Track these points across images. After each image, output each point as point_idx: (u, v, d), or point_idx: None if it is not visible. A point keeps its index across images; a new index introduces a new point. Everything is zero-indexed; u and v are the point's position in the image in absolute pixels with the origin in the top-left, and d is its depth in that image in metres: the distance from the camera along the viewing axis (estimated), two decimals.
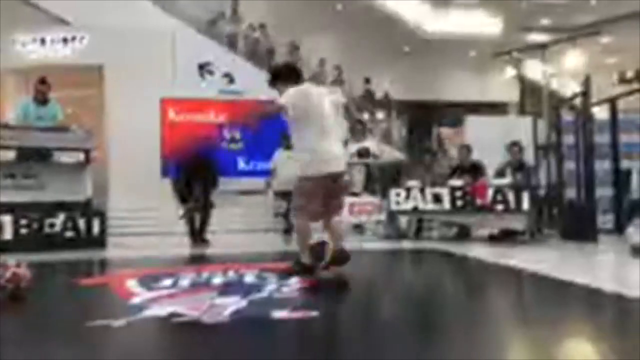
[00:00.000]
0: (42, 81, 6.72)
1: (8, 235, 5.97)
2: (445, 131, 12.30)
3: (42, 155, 6.54)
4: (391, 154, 9.34)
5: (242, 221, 8.80)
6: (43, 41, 9.92)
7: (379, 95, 14.55)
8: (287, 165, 7.80)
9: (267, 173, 8.23)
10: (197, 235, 6.72)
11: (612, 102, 7.67)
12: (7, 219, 5.98)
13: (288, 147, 7.92)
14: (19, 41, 9.95)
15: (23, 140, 6.31)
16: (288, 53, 12.27)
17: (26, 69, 9.05)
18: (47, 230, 6.15)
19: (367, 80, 14.31)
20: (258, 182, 8.88)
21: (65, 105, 7.22)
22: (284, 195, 7.82)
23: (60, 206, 6.27)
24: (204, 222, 6.74)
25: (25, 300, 3.20)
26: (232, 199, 9.16)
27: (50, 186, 6.41)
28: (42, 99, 6.67)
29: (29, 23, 10.07)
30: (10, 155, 6.52)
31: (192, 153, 6.92)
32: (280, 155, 7.95)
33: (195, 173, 6.61)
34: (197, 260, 5.60)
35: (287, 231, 7.79)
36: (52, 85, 6.76)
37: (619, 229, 7.24)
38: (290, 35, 12.88)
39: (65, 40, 9.87)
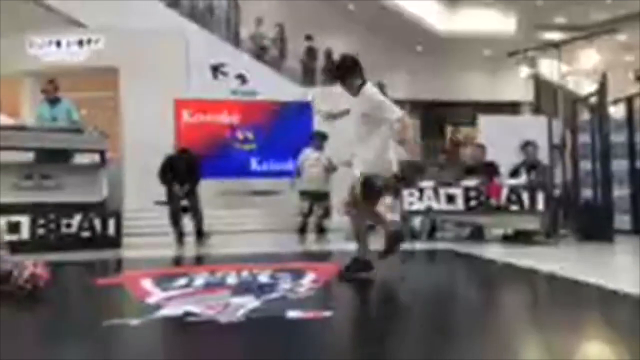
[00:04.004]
0: (49, 81, 6.90)
1: (26, 235, 6.06)
2: (459, 131, 12.24)
3: (59, 157, 6.66)
4: (403, 154, 9.28)
5: (255, 221, 8.83)
6: (59, 44, 10.02)
7: (394, 96, 14.51)
8: (314, 166, 7.74)
9: (281, 174, 8.19)
10: (199, 236, 6.92)
11: (628, 100, 7.58)
12: (25, 219, 6.07)
13: (320, 147, 7.84)
14: (34, 44, 10.05)
15: (41, 142, 6.41)
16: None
17: (42, 72, 9.15)
18: (63, 230, 6.23)
19: (381, 83, 14.25)
20: (272, 183, 8.90)
21: (80, 107, 7.32)
22: (311, 195, 7.73)
23: (76, 207, 6.35)
24: (198, 219, 6.93)
25: (42, 300, 3.26)
26: (246, 200, 9.19)
27: (66, 187, 6.51)
28: (50, 99, 6.81)
29: (45, 26, 10.17)
30: (29, 156, 6.66)
31: (178, 154, 7.28)
32: (307, 154, 7.87)
33: (177, 173, 6.87)
34: (211, 260, 5.63)
35: (302, 230, 7.76)
36: (68, 87, 6.86)
37: (637, 229, 7.15)
38: (303, 34, 12.90)
39: (80, 43, 9.96)
